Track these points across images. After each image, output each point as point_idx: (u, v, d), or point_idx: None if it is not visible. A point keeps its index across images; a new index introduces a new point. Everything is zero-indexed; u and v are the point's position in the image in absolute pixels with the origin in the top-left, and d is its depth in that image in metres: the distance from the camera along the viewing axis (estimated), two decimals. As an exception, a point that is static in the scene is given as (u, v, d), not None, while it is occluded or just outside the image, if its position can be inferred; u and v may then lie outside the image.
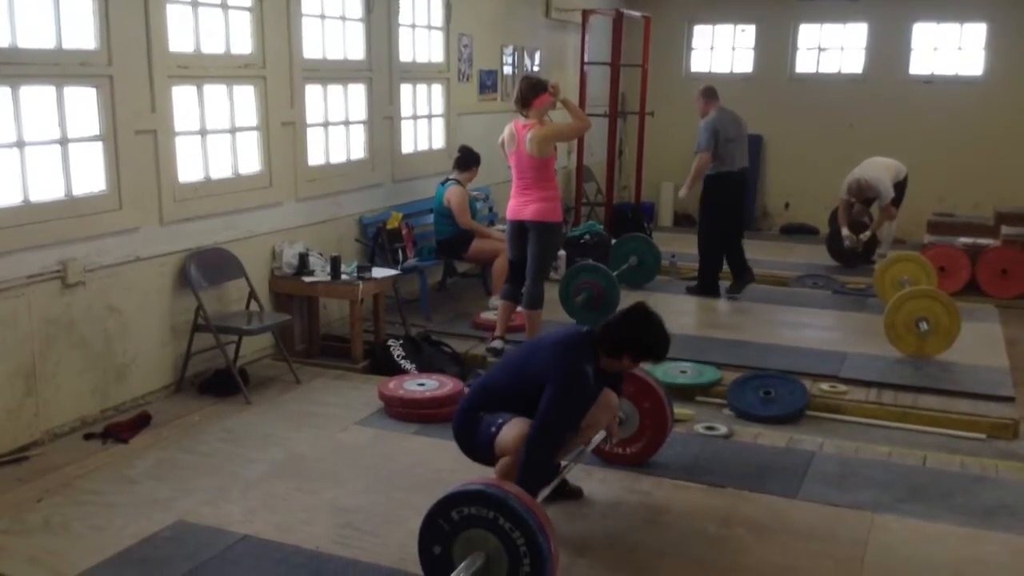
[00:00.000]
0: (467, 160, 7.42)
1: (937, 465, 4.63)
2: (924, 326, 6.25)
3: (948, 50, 11.23)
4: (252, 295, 5.77)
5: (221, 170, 5.76)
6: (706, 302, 8.10)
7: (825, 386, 5.80)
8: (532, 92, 5.91)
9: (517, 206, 6.10)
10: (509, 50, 9.36)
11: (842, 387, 5.79)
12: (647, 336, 3.70)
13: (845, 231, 9.11)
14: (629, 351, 3.68)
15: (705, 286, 8.22)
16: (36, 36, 4.53)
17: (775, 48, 11.87)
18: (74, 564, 3.52)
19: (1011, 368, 6.21)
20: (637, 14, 10.66)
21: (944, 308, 6.26)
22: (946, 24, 11.17)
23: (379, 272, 6.35)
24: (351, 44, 6.92)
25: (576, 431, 3.84)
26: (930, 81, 11.21)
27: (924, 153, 10.66)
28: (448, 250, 7.41)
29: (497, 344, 6.21)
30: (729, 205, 8.03)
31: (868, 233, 9.17)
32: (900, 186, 9.17)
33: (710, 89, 8.00)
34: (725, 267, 8.31)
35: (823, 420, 5.51)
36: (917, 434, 5.31)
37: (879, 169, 9.03)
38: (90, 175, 4.88)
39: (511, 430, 3.61)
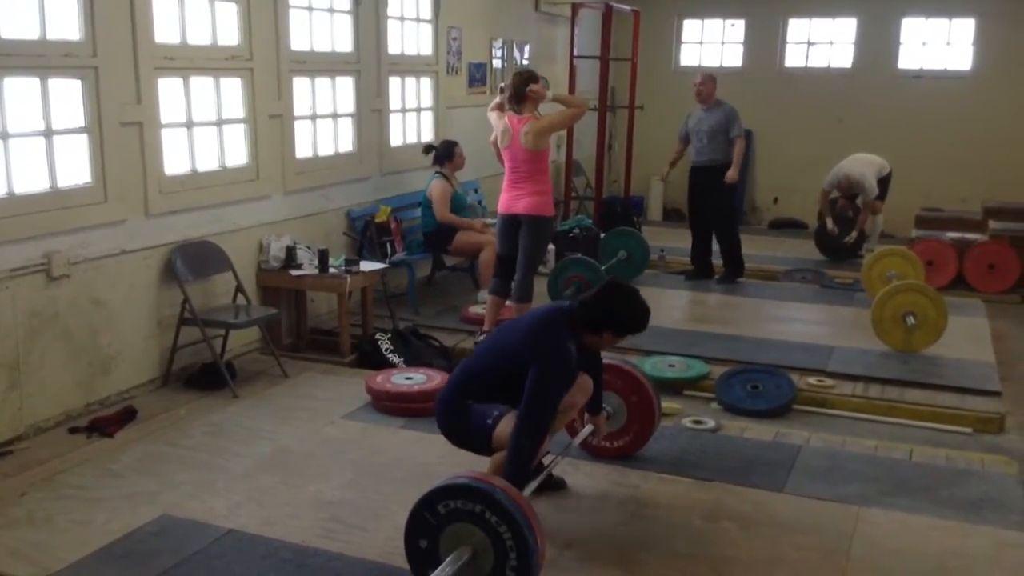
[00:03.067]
0: (438, 155, 7.39)
1: (923, 459, 4.65)
2: (911, 320, 6.26)
3: (937, 45, 11.25)
4: (239, 289, 5.74)
5: (208, 163, 5.73)
6: (695, 296, 8.11)
7: (812, 380, 5.80)
8: (524, 85, 5.90)
9: (509, 200, 6.08)
10: (498, 43, 9.34)
11: (829, 381, 5.80)
12: (625, 309, 3.67)
13: (830, 224, 9.28)
14: (610, 326, 3.64)
15: (739, 266, 8.43)
16: (19, 27, 4.49)
17: (764, 43, 11.88)
18: (58, 558, 3.50)
19: (997, 363, 6.23)
20: (627, 8, 10.63)
21: (931, 302, 6.28)
22: (935, 19, 11.19)
23: (367, 266, 6.33)
24: (339, 36, 6.89)
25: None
26: (919, 76, 11.23)
27: (912, 147, 10.68)
28: (433, 242, 7.39)
29: (485, 338, 6.19)
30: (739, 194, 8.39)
31: (854, 234, 9.22)
32: (884, 181, 9.22)
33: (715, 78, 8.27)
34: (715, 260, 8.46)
35: (810, 414, 5.52)
36: (903, 428, 5.32)
37: (864, 166, 9.08)
38: (75, 167, 4.84)
39: (510, 424, 3.56)
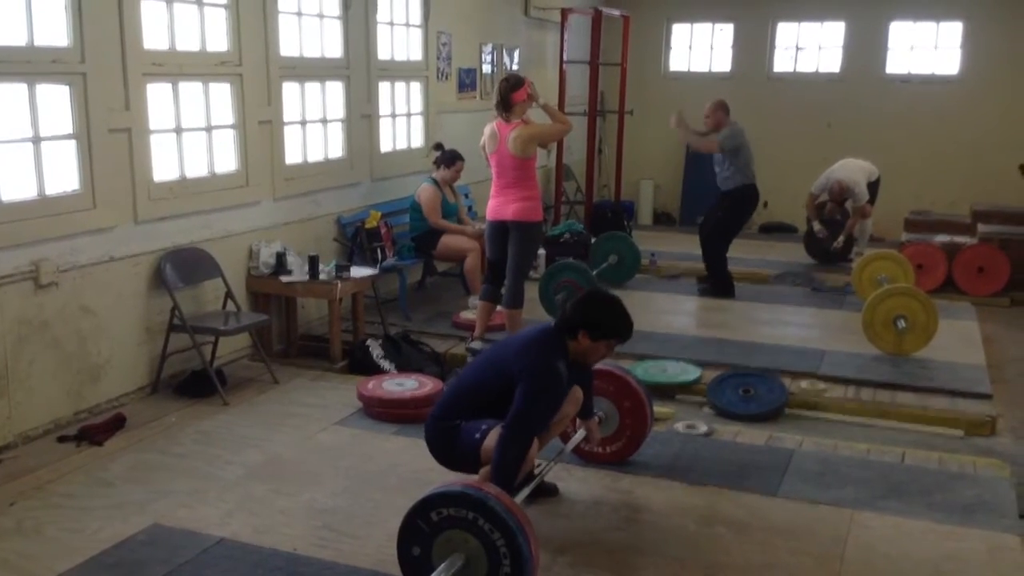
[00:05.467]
0: (443, 158, 7.40)
1: (915, 462, 4.65)
2: (902, 324, 6.28)
3: (925, 49, 11.30)
4: (229, 295, 5.71)
5: (197, 169, 5.71)
6: (686, 300, 8.10)
7: (804, 384, 5.81)
8: (510, 89, 5.89)
9: (497, 206, 6.08)
10: (488, 48, 9.33)
11: (821, 385, 5.81)
12: (606, 311, 3.69)
13: (818, 225, 9.31)
14: (591, 329, 3.63)
15: (721, 286, 8.15)
16: (7, 33, 4.46)
17: (753, 47, 11.90)
18: (47, 568, 3.46)
19: (988, 365, 6.26)
20: (616, 12, 10.65)
21: (921, 306, 6.29)
22: (922, 23, 11.24)
23: (358, 271, 6.30)
24: (328, 41, 6.88)
25: (545, 428, 3.83)
26: (907, 80, 11.27)
27: (901, 151, 10.73)
28: (420, 246, 7.40)
29: (476, 344, 6.18)
30: (747, 216, 8.21)
31: (842, 238, 9.24)
32: (873, 186, 9.25)
33: (726, 104, 7.95)
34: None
35: (802, 418, 5.53)
36: (895, 431, 5.33)
37: (854, 171, 9.11)
38: (63, 174, 4.81)
39: (497, 436, 3.57)
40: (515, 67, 9.85)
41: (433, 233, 7.26)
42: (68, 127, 4.79)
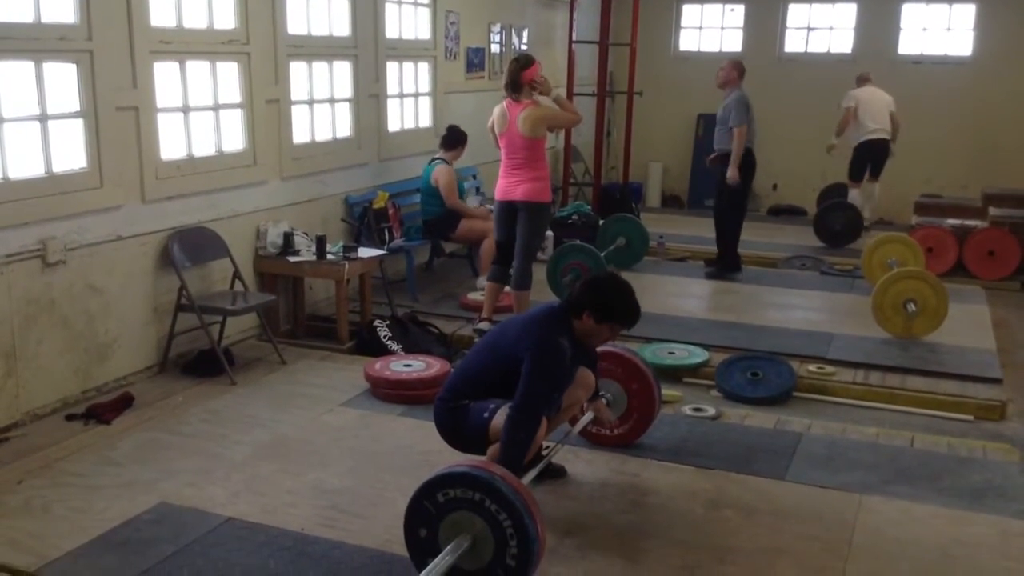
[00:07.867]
0: (454, 139, 7.36)
1: (924, 447, 4.64)
2: (912, 307, 6.24)
3: (937, 30, 11.21)
4: (236, 275, 5.70)
5: (204, 148, 5.68)
6: (694, 283, 8.07)
7: (813, 367, 5.78)
8: (520, 69, 5.84)
9: (506, 186, 6.05)
10: (496, 28, 9.28)
11: (830, 368, 5.78)
12: (613, 295, 3.66)
13: (835, 140, 9.72)
14: (596, 311, 3.61)
15: (727, 265, 8.11)
16: (14, 9, 4.43)
17: (764, 28, 11.83)
18: (55, 546, 3.47)
19: (998, 349, 6.23)
20: (626, -8, 10.58)
21: (932, 289, 6.26)
22: (935, 4, 11.15)
23: (365, 252, 6.29)
24: (336, 20, 6.83)
25: (556, 411, 3.82)
26: (919, 62, 11.19)
27: (912, 134, 10.63)
28: (435, 230, 7.37)
29: (484, 326, 6.17)
30: (751, 182, 8.09)
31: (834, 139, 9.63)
32: (874, 149, 9.43)
33: (743, 65, 7.95)
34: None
35: (811, 401, 5.50)
36: (904, 415, 5.31)
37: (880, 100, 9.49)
38: (70, 152, 4.79)
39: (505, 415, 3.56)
40: (524, 47, 9.79)
41: (450, 216, 7.22)
42: (75, 105, 4.77)
